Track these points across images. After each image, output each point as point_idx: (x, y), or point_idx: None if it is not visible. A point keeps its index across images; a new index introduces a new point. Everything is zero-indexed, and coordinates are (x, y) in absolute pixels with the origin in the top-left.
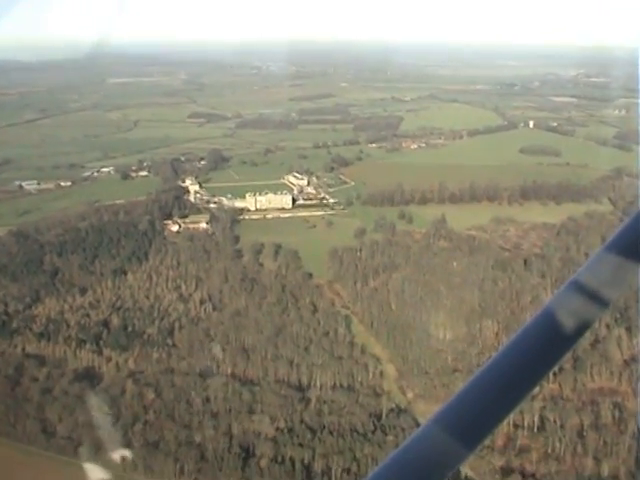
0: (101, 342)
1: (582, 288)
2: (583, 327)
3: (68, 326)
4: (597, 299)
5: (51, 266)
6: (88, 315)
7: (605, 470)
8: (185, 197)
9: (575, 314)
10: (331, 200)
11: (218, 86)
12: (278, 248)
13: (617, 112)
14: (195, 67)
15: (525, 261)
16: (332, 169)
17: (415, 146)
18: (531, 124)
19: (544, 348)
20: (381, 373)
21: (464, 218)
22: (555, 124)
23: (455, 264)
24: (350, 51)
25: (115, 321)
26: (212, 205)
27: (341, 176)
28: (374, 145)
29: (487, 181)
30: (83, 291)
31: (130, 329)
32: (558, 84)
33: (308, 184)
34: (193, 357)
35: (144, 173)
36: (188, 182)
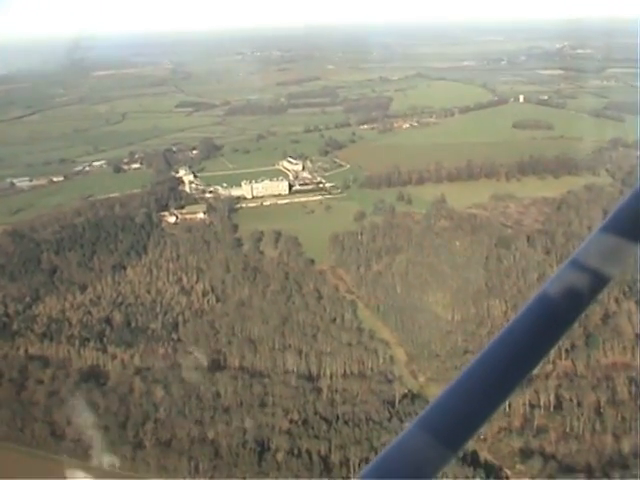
0: (105, 339)
1: (582, 266)
2: (584, 305)
3: (70, 325)
4: (597, 277)
5: (49, 264)
6: (90, 312)
7: (625, 447)
8: (180, 188)
9: (576, 292)
10: (328, 184)
11: (204, 74)
12: (278, 235)
13: (605, 83)
14: (180, 56)
15: (528, 238)
16: (326, 153)
17: (407, 125)
18: (521, 98)
19: (544, 328)
20: (391, 358)
21: (463, 196)
22: (546, 97)
23: (458, 244)
24: (334, 34)
25: (118, 317)
26: (208, 195)
27: (336, 159)
28: (366, 126)
29: (483, 158)
30: (83, 288)
31: (133, 325)
32: (544, 57)
33: (303, 169)
34: (200, 351)
35: (136, 165)
36: (182, 172)
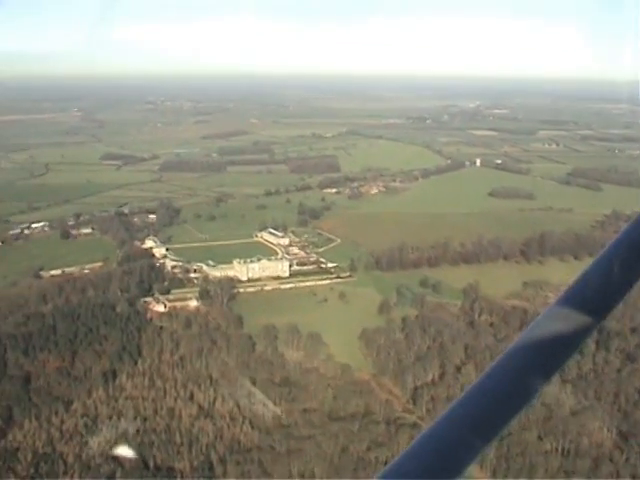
0: None
1: (608, 267)
2: (612, 304)
3: (66, 464)
4: (624, 278)
5: (19, 370)
6: (87, 444)
7: None
8: (156, 264)
9: (602, 292)
10: (329, 264)
11: (118, 123)
12: (294, 331)
13: (547, 146)
14: (86, 102)
15: (597, 341)
16: (305, 222)
17: (375, 191)
18: (478, 162)
19: (569, 329)
20: None
21: (493, 283)
22: (499, 161)
23: None
24: (240, 85)
25: (127, 451)
26: (193, 275)
27: (320, 231)
28: (331, 190)
29: (490, 235)
30: (68, 404)
31: (152, 463)
32: (466, 116)
33: (290, 244)
34: None
35: (87, 230)
36: (150, 243)
